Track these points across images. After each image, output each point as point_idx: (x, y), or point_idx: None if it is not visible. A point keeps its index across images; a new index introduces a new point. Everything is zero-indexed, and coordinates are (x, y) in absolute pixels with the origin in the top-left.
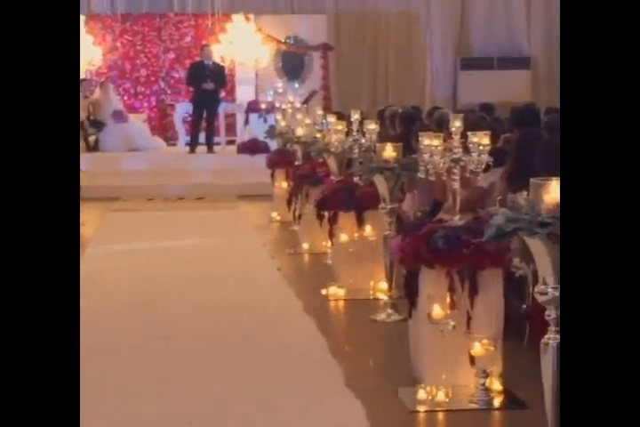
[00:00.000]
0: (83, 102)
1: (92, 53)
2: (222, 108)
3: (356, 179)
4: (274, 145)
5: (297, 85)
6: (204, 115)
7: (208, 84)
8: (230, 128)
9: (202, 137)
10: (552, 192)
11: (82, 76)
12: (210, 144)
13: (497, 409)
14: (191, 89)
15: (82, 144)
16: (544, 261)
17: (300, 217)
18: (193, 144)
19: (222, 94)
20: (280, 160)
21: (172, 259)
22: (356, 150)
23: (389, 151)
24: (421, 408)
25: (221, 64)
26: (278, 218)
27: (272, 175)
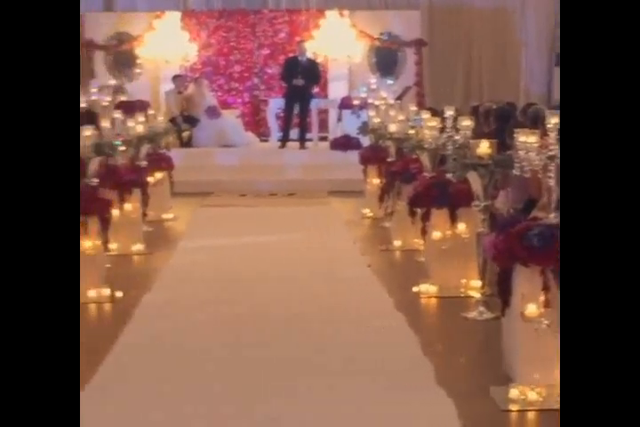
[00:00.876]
0: (177, 98)
1: (186, 50)
2: (315, 105)
3: (449, 175)
4: (366, 141)
5: (390, 81)
6: (296, 111)
7: (298, 80)
8: (323, 124)
9: (295, 133)
10: None
11: (176, 71)
12: (302, 140)
13: None
14: (284, 85)
15: (175, 140)
16: None
17: (392, 214)
18: (284, 140)
19: (315, 90)
20: (372, 156)
21: (262, 255)
22: (450, 147)
23: (484, 148)
24: (513, 407)
25: (315, 60)
26: (370, 214)
27: (364, 171)
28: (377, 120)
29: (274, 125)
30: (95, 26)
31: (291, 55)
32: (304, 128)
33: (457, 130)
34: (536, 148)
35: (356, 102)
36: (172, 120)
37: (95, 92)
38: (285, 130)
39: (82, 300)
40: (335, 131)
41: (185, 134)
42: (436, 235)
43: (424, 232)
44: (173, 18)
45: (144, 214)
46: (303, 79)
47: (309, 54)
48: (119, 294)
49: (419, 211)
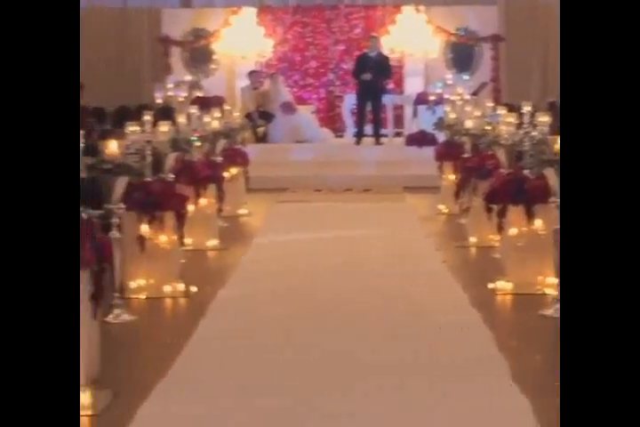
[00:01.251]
0: (252, 94)
1: (262, 45)
2: (390, 100)
3: (526, 172)
4: (442, 137)
5: (466, 77)
6: (369, 107)
7: (366, 74)
8: (398, 120)
9: (370, 129)
10: None
11: (252, 67)
12: (377, 136)
13: None
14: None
15: (251, 135)
16: None
17: (467, 210)
18: (359, 136)
19: (390, 85)
20: (448, 152)
21: (336, 250)
22: (527, 143)
23: None
24: None
25: (385, 55)
26: (445, 211)
27: (440, 167)
28: (453, 116)
29: (349, 121)
30: (172, 22)
31: (364, 51)
32: (378, 124)
33: (534, 126)
34: None
35: (431, 98)
36: (248, 116)
37: (172, 87)
38: (360, 126)
39: (157, 294)
40: (411, 126)
41: (260, 130)
42: (513, 231)
43: (500, 229)
44: (249, 14)
45: (219, 210)
46: (372, 74)
47: (386, 50)
48: (194, 288)
49: (495, 207)
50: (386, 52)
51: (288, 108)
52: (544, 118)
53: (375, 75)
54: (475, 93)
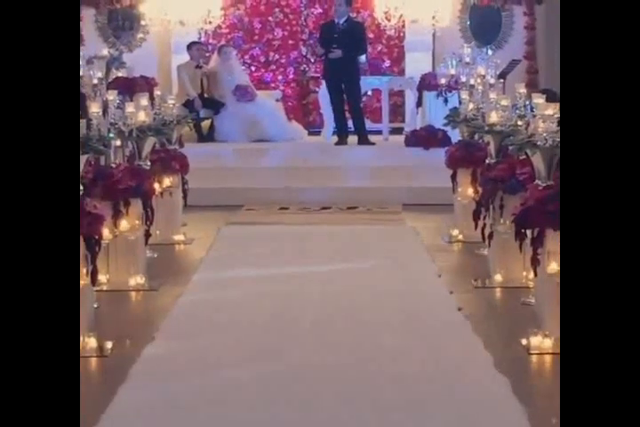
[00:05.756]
0: (194, 74)
1: (208, 7)
2: (386, 84)
3: None
4: (456, 136)
5: (490, 52)
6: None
7: (334, 51)
8: (396, 111)
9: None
10: None
11: (194, 38)
12: (360, 133)
13: None
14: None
15: (192, 132)
16: None
17: (491, 236)
18: (340, 133)
19: (387, 64)
20: (465, 157)
21: (310, 293)
22: None
23: None
24: None
25: (357, 21)
26: (460, 237)
27: (453, 177)
28: (471, 106)
29: (328, 113)
30: None
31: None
32: (359, 117)
33: None
34: None
35: (442, 81)
36: (188, 104)
37: (82, 65)
38: (339, 121)
39: None
40: (413, 120)
41: (205, 124)
42: (553, 267)
43: (535, 262)
44: None
45: (147, 235)
46: (341, 49)
47: (379, 13)
48: (109, 344)
49: (529, 233)
50: (380, 16)
51: (243, 93)
52: None
53: (344, 50)
54: (502, 75)
